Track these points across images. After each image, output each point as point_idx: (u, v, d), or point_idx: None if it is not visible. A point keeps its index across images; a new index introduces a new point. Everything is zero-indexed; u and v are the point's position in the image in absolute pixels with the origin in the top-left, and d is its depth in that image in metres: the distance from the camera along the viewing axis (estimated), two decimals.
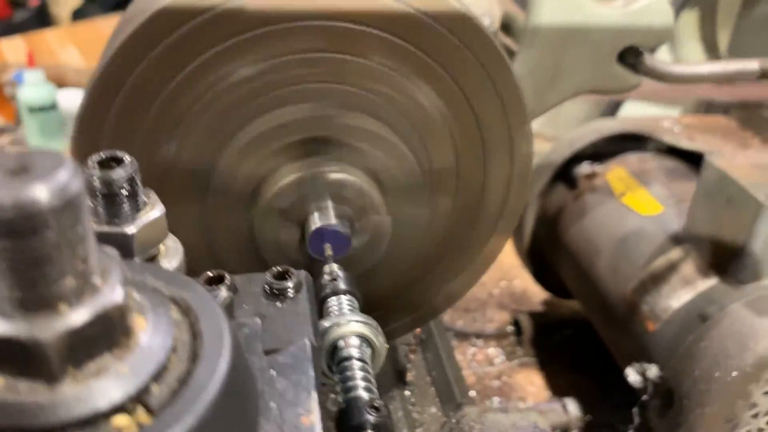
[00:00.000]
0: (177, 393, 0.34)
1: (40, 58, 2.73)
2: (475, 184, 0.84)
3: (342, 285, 0.65)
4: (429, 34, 0.75)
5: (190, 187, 0.76)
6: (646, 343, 1.44)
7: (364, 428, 0.53)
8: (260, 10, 0.70)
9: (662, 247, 1.49)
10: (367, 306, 0.67)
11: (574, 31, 0.95)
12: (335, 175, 0.76)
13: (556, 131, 1.97)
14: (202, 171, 0.75)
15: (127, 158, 0.47)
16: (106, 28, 3.18)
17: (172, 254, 0.51)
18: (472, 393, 1.59)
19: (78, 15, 3.31)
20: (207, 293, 0.40)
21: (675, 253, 1.46)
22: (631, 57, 0.99)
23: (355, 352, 0.59)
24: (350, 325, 0.60)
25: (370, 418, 0.54)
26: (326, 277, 0.67)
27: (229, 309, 0.51)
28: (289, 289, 0.54)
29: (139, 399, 0.33)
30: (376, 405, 0.54)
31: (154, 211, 0.49)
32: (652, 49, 1.00)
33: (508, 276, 2.09)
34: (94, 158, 0.47)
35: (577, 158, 1.77)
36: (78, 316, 0.31)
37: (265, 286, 0.54)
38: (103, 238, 0.48)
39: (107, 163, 0.47)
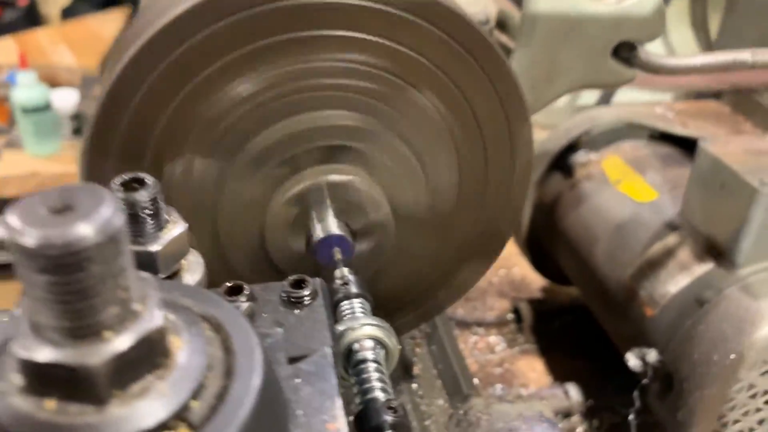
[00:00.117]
0: (215, 409, 0.36)
1: (31, 58, 2.72)
2: (478, 183, 0.86)
3: (354, 289, 0.67)
4: (427, 38, 0.77)
5: (202, 201, 0.77)
6: (644, 328, 1.47)
7: (383, 428, 0.55)
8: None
9: (658, 233, 1.51)
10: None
11: (569, 27, 0.97)
12: (337, 180, 0.78)
13: (549, 119, 1.98)
14: (209, 189, 0.77)
15: (149, 179, 0.49)
16: (96, 25, 3.18)
17: (194, 268, 0.53)
18: (475, 381, 1.61)
19: (67, 13, 3.30)
20: (234, 309, 0.42)
21: (671, 239, 1.49)
22: (625, 51, 1.01)
23: (369, 354, 0.61)
24: (364, 328, 0.62)
25: (388, 418, 0.56)
26: (338, 282, 0.69)
27: (251, 319, 0.53)
28: (305, 297, 0.56)
29: (180, 416, 0.35)
30: (393, 405, 0.56)
31: (176, 228, 0.51)
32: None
33: (507, 264, 2.11)
34: (118, 180, 0.48)
35: (572, 146, 1.79)
36: (122, 341, 0.33)
37: (282, 294, 0.56)
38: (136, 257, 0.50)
39: (130, 185, 0.49)
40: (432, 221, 0.87)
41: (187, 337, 0.38)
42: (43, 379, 0.33)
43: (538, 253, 1.94)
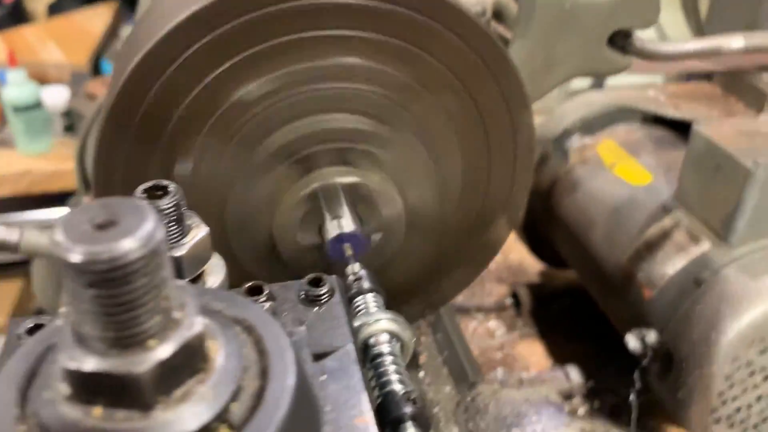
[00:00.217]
0: (254, 409, 0.37)
1: (19, 56, 2.71)
2: (481, 174, 0.87)
3: (366, 284, 0.69)
4: (430, 34, 0.78)
5: (211, 197, 0.78)
6: (643, 310, 1.49)
7: (403, 420, 0.57)
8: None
9: (654, 215, 1.53)
10: None
11: (566, 17, 0.98)
12: (348, 180, 0.79)
13: (542, 103, 2.00)
14: (219, 188, 0.78)
15: (171, 186, 0.50)
16: (83, 21, 3.16)
17: (216, 271, 0.54)
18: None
19: (54, 9, 3.28)
20: (263, 311, 0.44)
21: (667, 221, 1.51)
22: (620, 39, 1.02)
23: (386, 348, 0.62)
24: (379, 323, 0.64)
25: (408, 410, 0.57)
26: (350, 278, 0.70)
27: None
28: (323, 295, 0.57)
29: (221, 418, 0.36)
30: (412, 397, 0.58)
31: (199, 232, 0.52)
32: None
33: (504, 249, 2.11)
34: (141, 188, 0.50)
35: (567, 131, 1.80)
36: (165, 349, 0.35)
37: (301, 293, 0.58)
38: None
39: (153, 192, 0.50)
40: (438, 213, 0.88)
41: (222, 340, 0.39)
42: (89, 388, 0.35)
43: (535, 238, 1.96)
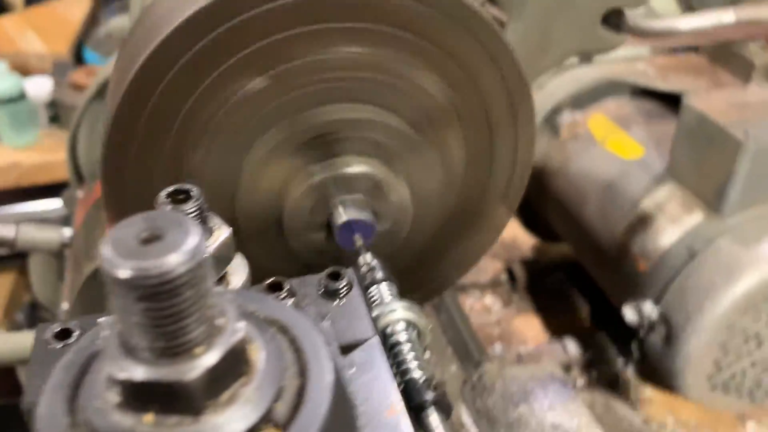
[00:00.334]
0: (297, 408, 0.39)
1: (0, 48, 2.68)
2: (484, 158, 0.88)
3: (379, 274, 0.70)
4: (425, 19, 0.78)
5: (217, 196, 0.79)
6: (639, 282, 1.52)
7: (425, 407, 0.59)
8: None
9: (647, 188, 1.56)
10: None
11: None
12: (354, 169, 0.80)
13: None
14: (228, 180, 0.79)
15: (194, 190, 0.51)
16: (62, 9, 3.11)
17: (239, 270, 0.55)
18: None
19: None
20: (295, 310, 0.45)
21: (660, 194, 1.53)
22: (614, 18, 1.03)
23: (403, 336, 0.64)
24: (395, 312, 0.65)
25: (430, 396, 0.59)
26: (363, 268, 0.71)
27: None
28: (342, 289, 0.58)
29: (267, 419, 0.38)
30: (433, 384, 0.59)
31: (221, 233, 0.53)
32: None
33: None
34: (164, 193, 0.50)
35: (557, 107, 1.82)
36: (212, 356, 0.36)
37: (320, 287, 0.59)
38: None
39: (175, 196, 0.51)
40: (442, 201, 0.89)
41: (261, 343, 0.40)
42: (140, 396, 0.36)
43: (528, 214, 1.98)
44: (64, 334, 0.56)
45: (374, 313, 0.66)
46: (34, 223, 1.62)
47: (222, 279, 0.54)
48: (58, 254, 1.73)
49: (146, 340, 0.35)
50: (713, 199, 1.43)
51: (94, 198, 1.58)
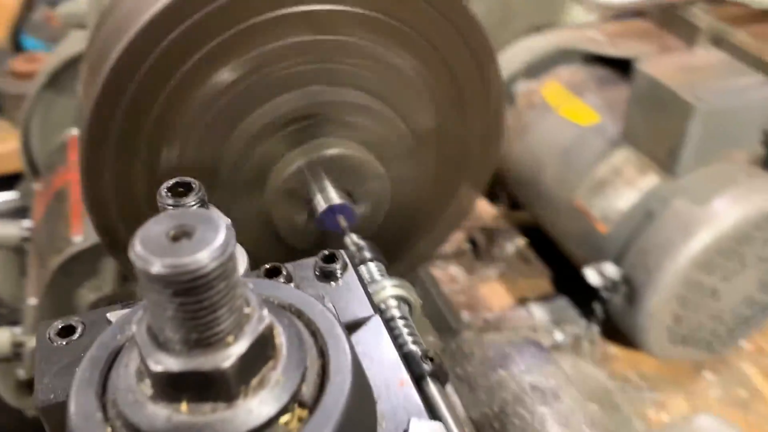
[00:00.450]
0: (322, 387, 0.40)
1: None
2: (457, 133, 0.91)
3: (368, 253, 0.72)
4: (398, 1, 0.79)
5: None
6: (600, 245, 1.57)
7: (424, 378, 0.61)
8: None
9: (604, 153, 1.60)
10: None
11: None
12: (333, 152, 0.81)
13: None
14: (206, 170, 0.79)
15: (194, 183, 0.51)
16: None
17: (239, 259, 0.56)
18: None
19: None
20: (306, 295, 0.47)
21: (616, 158, 1.58)
22: None
23: (396, 312, 0.66)
24: (387, 289, 0.67)
25: (427, 367, 0.62)
26: (352, 248, 0.73)
27: None
28: (337, 270, 0.60)
29: (295, 399, 0.39)
30: (430, 355, 0.62)
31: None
32: None
33: None
34: (164, 187, 0.51)
35: (512, 76, 1.85)
36: (243, 343, 0.37)
37: (317, 270, 0.60)
38: None
39: (176, 190, 0.51)
40: (418, 173, 0.91)
41: (281, 327, 0.42)
42: (174, 387, 0.37)
43: (488, 183, 2.02)
44: (67, 331, 0.56)
45: None
46: None
47: None
48: (17, 248, 1.70)
49: (180, 333, 0.36)
50: (667, 161, 1.48)
51: (54, 190, 1.56)
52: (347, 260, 0.61)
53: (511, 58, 1.84)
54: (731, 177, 1.44)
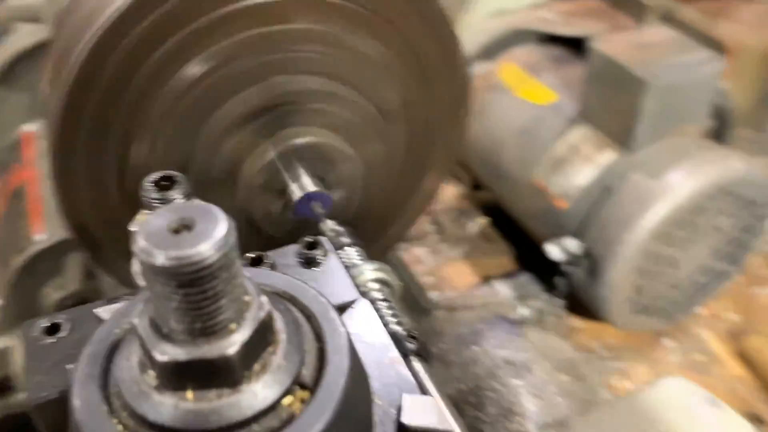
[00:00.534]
0: (321, 369, 0.42)
1: None
2: (424, 116, 0.92)
3: (346, 238, 0.73)
4: None
5: None
6: (561, 221, 1.62)
7: (408, 356, 0.63)
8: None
9: (561, 131, 1.64)
10: None
11: None
12: (303, 141, 0.82)
13: None
14: (177, 166, 0.79)
15: (179, 176, 0.52)
16: None
17: None
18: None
19: None
20: (298, 281, 0.48)
21: (574, 136, 1.62)
22: None
23: (378, 294, 0.68)
24: (367, 273, 0.69)
25: (411, 346, 0.63)
26: (330, 234, 0.74)
27: None
28: (320, 256, 0.61)
29: (296, 381, 0.41)
30: (413, 334, 0.64)
31: None
32: None
33: None
34: (149, 180, 0.51)
35: (468, 59, 1.87)
36: (245, 330, 0.38)
37: (299, 257, 0.61)
38: None
39: (161, 183, 0.52)
40: (388, 155, 0.93)
41: (278, 313, 0.43)
42: (179, 376, 0.38)
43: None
44: (53, 329, 0.56)
45: None
46: None
47: None
48: None
49: (185, 323, 0.37)
50: (623, 137, 1.52)
51: (12, 189, 1.52)
52: (329, 246, 0.63)
53: (466, 40, 1.86)
54: (684, 150, 1.49)
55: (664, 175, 1.48)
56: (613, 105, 1.52)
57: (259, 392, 0.39)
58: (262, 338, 0.40)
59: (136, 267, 0.57)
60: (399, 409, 0.46)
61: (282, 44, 0.80)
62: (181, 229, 0.36)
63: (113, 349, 0.43)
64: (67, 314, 0.58)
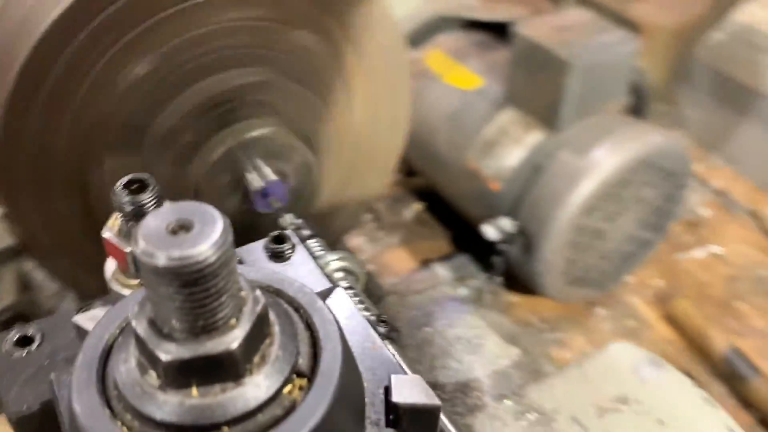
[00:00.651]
0: (316, 357, 0.43)
1: None
2: (369, 102, 0.94)
3: (306, 231, 0.74)
4: None
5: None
6: (494, 202, 1.67)
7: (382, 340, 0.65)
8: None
9: (490, 115, 1.69)
10: None
11: None
12: (255, 134, 0.83)
13: None
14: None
15: (149, 179, 0.52)
16: None
17: None
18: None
19: None
20: (282, 274, 0.49)
21: (502, 119, 1.67)
22: None
23: (344, 283, 0.69)
24: (332, 264, 0.70)
25: (382, 329, 0.65)
26: (291, 228, 0.75)
27: None
28: (287, 250, 0.63)
29: (294, 369, 0.42)
30: (383, 319, 0.66)
31: None
32: None
33: None
34: (120, 184, 0.51)
35: None
36: (245, 325, 0.39)
37: (267, 251, 0.62)
38: None
39: (130, 186, 0.51)
40: (335, 147, 0.94)
41: (270, 306, 0.44)
42: (182, 373, 0.39)
43: None
44: (24, 341, 0.56)
45: None
46: None
47: None
48: None
49: (188, 322, 0.38)
50: (549, 118, 1.58)
51: None
52: (296, 239, 0.64)
53: None
54: (607, 127, 1.57)
55: (589, 152, 1.55)
56: (538, 87, 1.58)
57: (261, 383, 0.40)
58: (260, 331, 0.41)
59: (109, 273, 0.57)
60: (386, 390, 0.48)
61: (221, 42, 0.80)
62: (179, 230, 0.37)
63: (106, 355, 0.43)
64: (37, 325, 0.57)
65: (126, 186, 0.52)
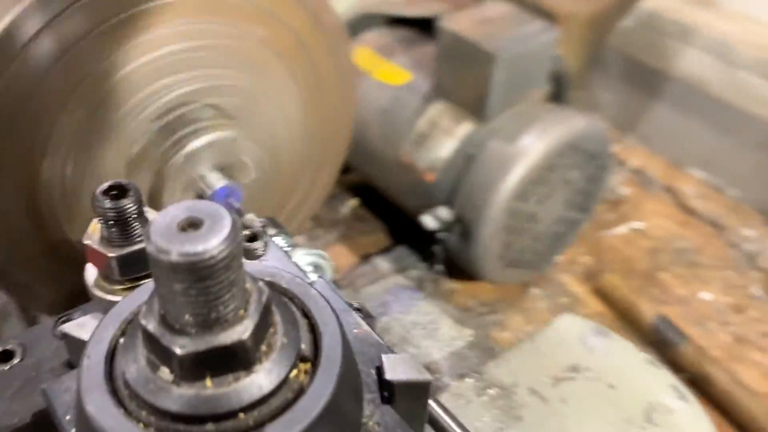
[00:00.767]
0: (316, 341, 0.46)
1: None
2: (318, 97, 0.96)
3: (271, 229, 0.76)
4: None
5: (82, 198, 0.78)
6: (430, 193, 1.71)
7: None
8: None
9: (420, 108, 1.73)
10: None
11: None
12: (204, 140, 0.83)
13: None
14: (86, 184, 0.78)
15: (129, 185, 0.52)
16: None
17: None
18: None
19: None
20: (273, 267, 0.51)
21: (432, 112, 1.72)
22: None
23: (314, 277, 0.71)
24: (301, 259, 0.72)
25: (360, 316, 0.68)
26: (257, 226, 0.76)
27: None
28: (260, 248, 0.64)
29: (299, 356, 0.44)
30: (356, 306, 0.68)
31: None
32: None
33: None
34: (100, 190, 0.51)
35: None
36: (254, 315, 0.41)
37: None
38: (131, 257, 0.54)
39: (110, 192, 0.52)
40: (290, 149, 0.96)
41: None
42: (199, 365, 0.40)
43: None
44: (6, 356, 0.56)
45: None
46: None
47: None
48: None
49: (201, 315, 0.39)
50: (478, 108, 1.64)
51: None
52: (267, 236, 0.65)
53: None
54: (533, 115, 1.64)
55: (518, 140, 1.61)
56: (465, 79, 1.63)
57: (271, 370, 0.42)
58: (266, 321, 0.43)
59: (90, 280, 0.57)
60: (378, 369, 0.51)
61: (180, 43, 0.80)
62: (188, 227, 0.38)
63: (111, 357, 0.44)
64: (16, 339, 0.57)
65: (106, 192, 0.52)
